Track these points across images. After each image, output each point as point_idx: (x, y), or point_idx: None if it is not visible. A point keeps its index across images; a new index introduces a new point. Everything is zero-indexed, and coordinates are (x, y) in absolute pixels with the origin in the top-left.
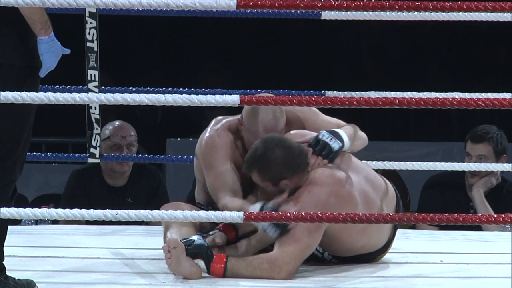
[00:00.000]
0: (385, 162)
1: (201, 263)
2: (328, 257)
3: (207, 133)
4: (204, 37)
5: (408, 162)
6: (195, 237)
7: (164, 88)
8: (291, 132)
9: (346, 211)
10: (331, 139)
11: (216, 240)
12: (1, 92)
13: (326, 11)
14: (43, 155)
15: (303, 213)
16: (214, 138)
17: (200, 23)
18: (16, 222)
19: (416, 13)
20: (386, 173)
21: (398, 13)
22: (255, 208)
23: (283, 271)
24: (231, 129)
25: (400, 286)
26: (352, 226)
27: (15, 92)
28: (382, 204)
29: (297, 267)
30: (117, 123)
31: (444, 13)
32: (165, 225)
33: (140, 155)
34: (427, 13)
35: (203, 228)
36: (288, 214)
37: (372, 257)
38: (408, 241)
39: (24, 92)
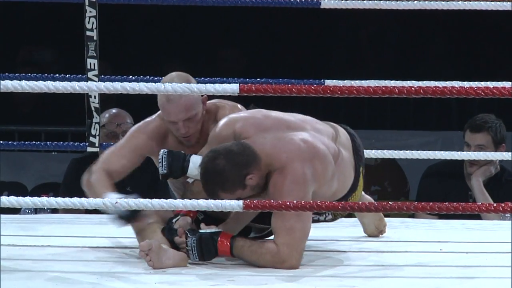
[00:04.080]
0: (384, 151)
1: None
2: None
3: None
4: (204, 26)
5: (407, 151)
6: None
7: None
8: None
9: (325, 168)
10: (160, 162)
11: (181, 223)
12: (1, 81)
13: (326, 0)
14: (42, 144)
15: (302, 202)
16: (140, 127)
17: (200, 12)
18: (15, 211)
19: (416, 2)
20: (386, 162)
21: (398, 2)
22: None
23: (286, 264)
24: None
25: (399, 275)
26: (325, 179)
27: (15, 81)
28: (338, 146)
29: (300, 255)
30: (113, 110)
31: (444, 2)
32: (136, 231)
33: None
34: (426, 2)
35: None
36: (288, 203)
37: (345, 199)
38: (407, 230)
39: (23, 81)
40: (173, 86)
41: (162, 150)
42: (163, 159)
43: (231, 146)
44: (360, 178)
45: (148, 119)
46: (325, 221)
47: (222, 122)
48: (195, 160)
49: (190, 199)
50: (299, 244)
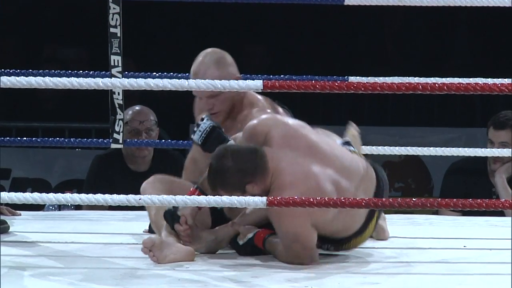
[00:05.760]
0: (408, 147)
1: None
2: None
3: None
4: (229, 22)
5: (431, 148)
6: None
7: (187, 74)
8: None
9: (324, 212)
10: (200, 131)
11: (185, 212)
12: (33, 77)
13: None
14: (66, 140)
15: (326, 198)
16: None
17: (225, 8)
18: (39, 207)
19: None
20: (409, 159)
21: None
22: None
23: (300, 261)
24: None
25: (423, 272)
26: (322, 219)
27: (39, 77)
28: (356, 191)
29: (314, 255)
30: (137, 107)
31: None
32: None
33: (163, 140)
34: None
35: None
36: (311, 200)
37: (344, 241)
38: (431, 227)
39: (47, 77)
40: (197, 82)
41: (206, 118)
42: (204, 131)
43: (244, 150)
44: (371, 222)
45: None
46: (327, 250)
47: (263, 117)
48: None
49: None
50: (308, 250)
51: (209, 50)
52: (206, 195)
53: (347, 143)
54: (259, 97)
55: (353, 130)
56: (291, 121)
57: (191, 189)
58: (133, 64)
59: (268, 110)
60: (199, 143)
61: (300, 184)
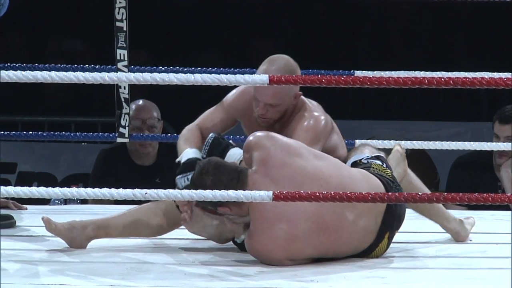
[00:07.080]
0: (414, 141)
1: None
2: None
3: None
4: (237, 17)
5: (437, 142)
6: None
7: (193, 68)
8: None
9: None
10: (204, 145)
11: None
12: (39, 72)
13: None
14: (72, 134)
15: (332, 193)
16: (244, 90)
17: (233, 3)
18: (45, 201)
19: None
20: (415, 153)
21: None
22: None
23: None
24: None
25: (429, 266)
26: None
27: (44, 71)
28: (355, 219)
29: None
30: (140, 103)
31: None
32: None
33: (168, 134)
34: None
35: None
36: (317, 194)
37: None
38: None
39: (53, 71)
40: (203, 76)
41: (211, 133)
42: (207, 143)
43: (227, 171)
44: (381, 243)
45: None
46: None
47: (260, 135)
48: (233, 154)
49: None
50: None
51: (284, 57)
52: None
53: (374, 158)
54: (306, 100)
55: (398, 148)
56: (285, 145)
57: None
58: (149, 58)
59: (316, 113)
60: (203, 156)
61: (270, 225)
